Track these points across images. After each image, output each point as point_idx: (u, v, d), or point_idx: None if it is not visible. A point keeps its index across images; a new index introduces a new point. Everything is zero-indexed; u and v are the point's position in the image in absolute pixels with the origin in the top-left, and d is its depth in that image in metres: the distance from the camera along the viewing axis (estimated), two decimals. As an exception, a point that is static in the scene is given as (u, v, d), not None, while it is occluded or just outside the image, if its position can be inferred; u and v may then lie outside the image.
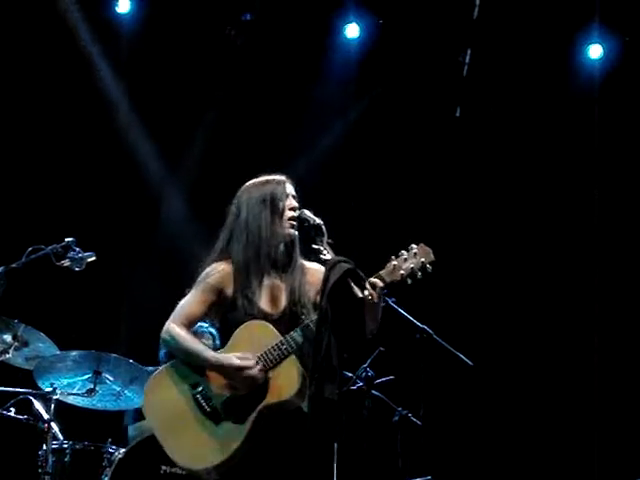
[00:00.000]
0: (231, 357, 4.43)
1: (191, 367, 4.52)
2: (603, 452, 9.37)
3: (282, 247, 4.62)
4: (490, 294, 9.76)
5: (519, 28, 9.65)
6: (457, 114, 10.05)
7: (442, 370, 7.73)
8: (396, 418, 7.21)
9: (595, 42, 9.77)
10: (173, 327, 4.57)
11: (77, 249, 6.28)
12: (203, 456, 4.40)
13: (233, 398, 4.43)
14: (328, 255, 4.44)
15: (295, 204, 4.65)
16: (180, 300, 4.72)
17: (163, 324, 7.22)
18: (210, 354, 4.50)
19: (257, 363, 4.40)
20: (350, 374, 6.83)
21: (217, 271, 4.61)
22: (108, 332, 8.62)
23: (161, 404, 4.52)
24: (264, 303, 4.56)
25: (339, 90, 9.74)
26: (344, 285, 4.27)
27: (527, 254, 9.87)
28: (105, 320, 8.96)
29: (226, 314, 4.60)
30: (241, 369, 4.40)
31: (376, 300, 4.35)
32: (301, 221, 4.60)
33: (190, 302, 4.62)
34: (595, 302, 9.75)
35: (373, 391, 6.98)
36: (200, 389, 4.48)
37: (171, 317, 4.62)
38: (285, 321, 4.50)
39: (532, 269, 9.85)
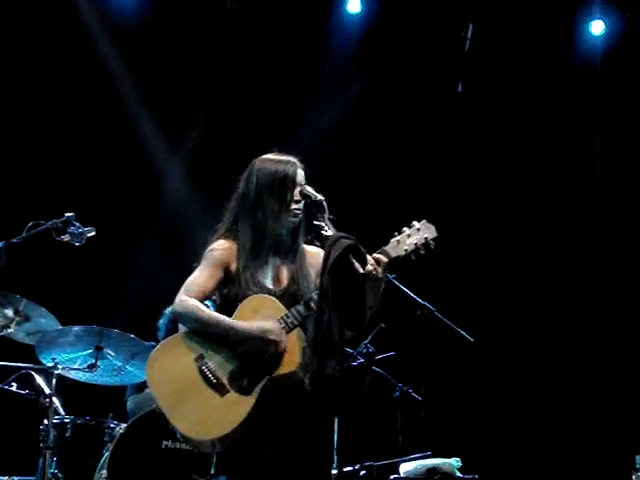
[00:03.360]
0: (253, 326, 4.43)
1: (198, 339, 4.52)
2: (603, 430, 9.41)
3: (286, 233, 4.64)
4: (491, 271, 9.77)
5: (521, 3, 9.61)
6: (459, 89, 10.03)
7: (442, 346, 7.75)
8: (397, 394, 7.22)
9: (597, 18, 9.75)
10: (186, 299, 4.55)
11: (77, 224, 6.27)
12: (208, 428, 4.40)
13: (239, 370, 4.44)
14: (329, 231, 4.45)
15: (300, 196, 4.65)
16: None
17: (164, 299, 7.27)
18: (232, 323, 4.48)
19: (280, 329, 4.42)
20: (351, 350, 6.84)
21: (222, 248, 4.63)
22: (109, 307, 8.63)
23: (166, 375, 4.51)
24: (267, 281, 4.59)
25: (341, 65, 9.72)
26: (345, 261, 4.27)
27: (528, 230, 9.88)
28: (106, 295, 8.96)
29: (228, 290, 4.61)
30: (265, 335, 4.40)
31: (380, 275, 4.38)
32: (303, 197, 4.61)
33: (200, 277, 4.62)
34: (597, 278, 9.77)
35: (374, 367, 7.00)
36: (206, 361, 4.48)
37: (182, 291, 4.60)
38: (287, 299, 4.52)
39: (533, 246, 9.87)
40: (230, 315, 4.53)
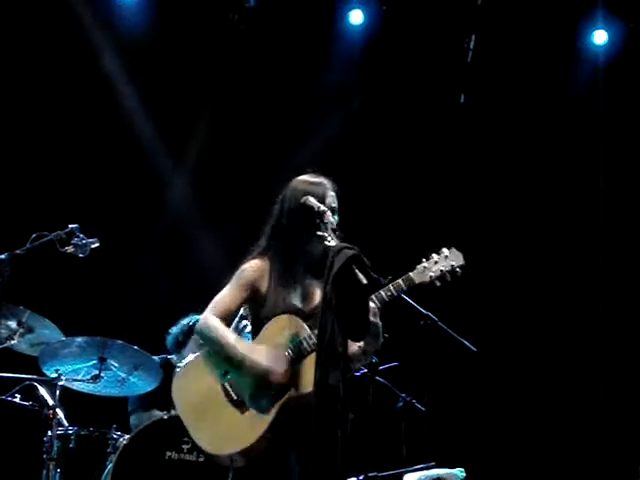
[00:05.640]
0: (262, 360, 4.51)
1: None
2: (606, 440, 9.39)
3: (317, 254, 4.67)
4: (493, 280, 9.76)
5: (524, 14, 9.63)
6: (461, 100, 10.04)
7: (446, 356, 7.74)
8: (400, 404, 7.20)
9: (600, 28, 9.76)
10: (212, 319, 4.63)
11: (81, 235, 6.29)
12: (227, 443, 4.49)
13: (259, 388, 4.51)
14: (332, 242, 4.45)
15: (330, 219, 4.62)
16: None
17: (168, 310, 7.29)
18: (244, 353, 4.55)
19: (287, 365, 4.49)
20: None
21: (254, 268, 4.70)
22: (113, 318, 8.63)
23: (190, 390, 4.63)
24: (296, 300, 4.66)
25: (343, 76, 9.72)
26: (349, 271, 4.27)
27: (530, 240, 9.88)
28: (110, 306, 8.97)
29: (259, 309, 4.69)
30: (269, 373, 4.49)
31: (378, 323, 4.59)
32: (306, 208, 4.63)
33: (227, 297, 4.69)
34: (599, 286, 9.76)
35: (377, 377, 6.98)
36: (229, 377, 4.57)
37: (208, 310, 4.69)
38: (316, 318, 4.52)
39: (535, 256, 9.86)
40: (257, 334, 4.62)
